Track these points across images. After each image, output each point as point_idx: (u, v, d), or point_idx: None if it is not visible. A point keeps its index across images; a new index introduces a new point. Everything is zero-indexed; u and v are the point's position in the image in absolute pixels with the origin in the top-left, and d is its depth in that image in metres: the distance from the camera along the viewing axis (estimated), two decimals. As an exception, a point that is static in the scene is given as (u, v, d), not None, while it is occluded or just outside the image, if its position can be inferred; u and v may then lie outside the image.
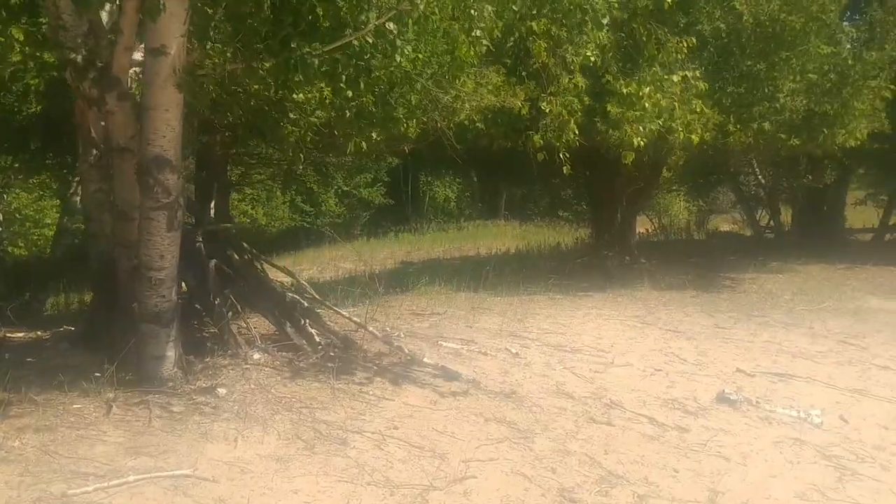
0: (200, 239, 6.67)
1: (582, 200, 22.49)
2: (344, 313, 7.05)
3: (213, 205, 7.80)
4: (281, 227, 28.56)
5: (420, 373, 6.83)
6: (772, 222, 21.04)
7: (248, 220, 26.98)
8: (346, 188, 30.93)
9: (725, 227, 27.62)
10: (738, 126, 11.40)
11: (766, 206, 21.59)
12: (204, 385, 5.94)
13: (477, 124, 10.66)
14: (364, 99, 6.48)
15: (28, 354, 6.79)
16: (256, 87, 6.46)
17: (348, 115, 6.35)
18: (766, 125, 11.56)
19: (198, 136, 8.35)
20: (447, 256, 22.21)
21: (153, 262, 5.60)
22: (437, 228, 29.32)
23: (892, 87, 12.43)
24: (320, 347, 6.83)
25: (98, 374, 5.85)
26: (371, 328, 7.04)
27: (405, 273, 18.02)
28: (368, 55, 6.17)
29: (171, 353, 5.85)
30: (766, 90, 11.47)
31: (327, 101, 6.74)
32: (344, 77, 5.77)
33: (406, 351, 6.89)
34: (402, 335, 8.09)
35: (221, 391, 5.77)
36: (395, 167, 29.04)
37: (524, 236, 25.26)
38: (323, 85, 6.03)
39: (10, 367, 6.19)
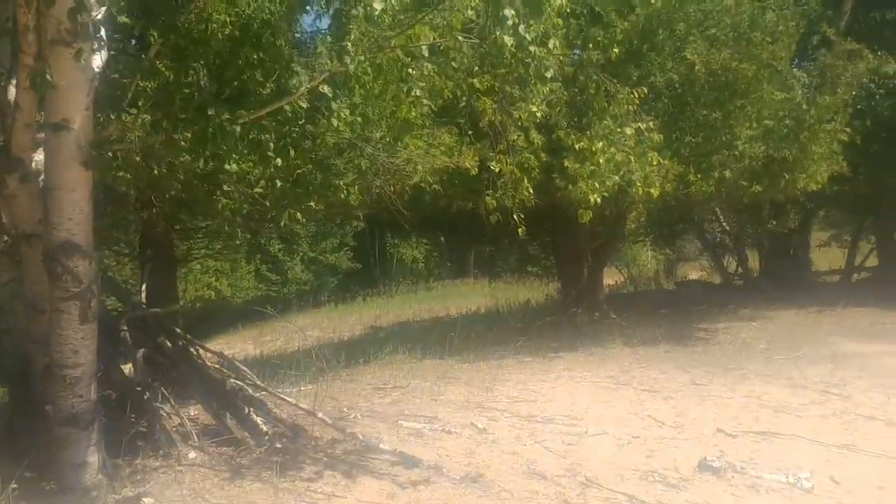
0: (125, 327, 6.00)
1: (549, 255, 22.04)
2: (290, 399, 6.35)
3: (144, 287, 7.14)
4: (247, 297, 27.73)
5: (377, 461, 6.11)
6: (740, 269, 20.67)
7: (213, 293, 26.16)
8: (312, 254, 30.25)
9: (694, 275, 27.27)
10: (699, 175, 11.04)
11: (733, 253, 21.25)
12: (130, 493, 5.21)
13: (433, 186, 10.23)
14: (303, 167, 5.95)
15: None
16: (183, 158, 5.88)
17: (279, 184, 5.79)
18: (727, 173, 11.22)
19: (137, 213, 7.75)
20: (416, 318, 21.63)
21: (66, 358, 4.91)
22: (406, 290, 28.76)
23: (847, 129, 12.20)
24: (266, 438, 6.13)
25: (15, 487, 5.13)
26: (322, 414, 6.32)
27: (372, 339, 17.39)
28: (303, 120, 5.66)
29: (92, 459, 5.11)
30: (724, 138, 11.17)
31: (270, 171, 6.21)
32: (272, 145, 5.22)
33: (361, 437, 6.18)
34: (360, 416, 7.41)
35: (147, 501, 5.05)
36: (361, 231, 28.49)
37: (494, 294, 24.76)
38: (248, 154, 5.48)
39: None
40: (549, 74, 5.22)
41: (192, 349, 6.33)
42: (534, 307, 18.89)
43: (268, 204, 6.14)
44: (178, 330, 6.36)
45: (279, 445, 6.02)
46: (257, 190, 6.67)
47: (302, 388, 8.85)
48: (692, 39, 11.01)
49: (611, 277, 23.23)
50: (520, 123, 6.42)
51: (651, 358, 10.97)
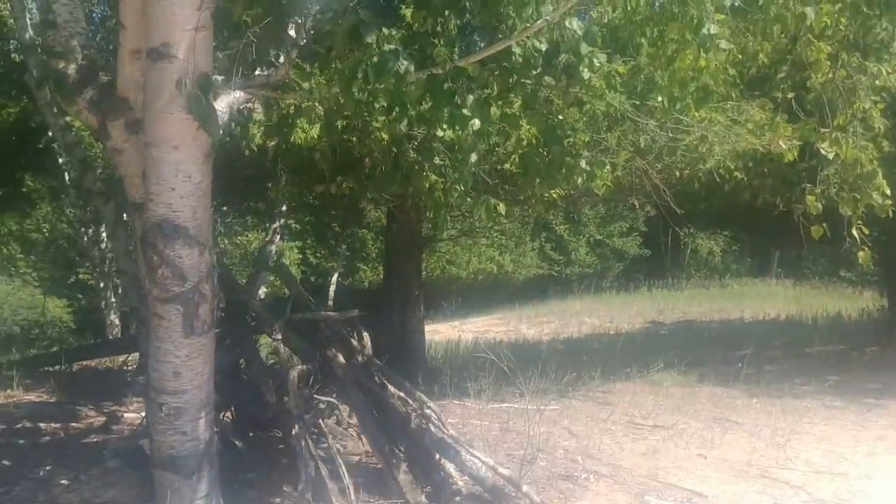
0: (279, 336, 4.45)
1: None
2: (485, 459, 4.41)
3: (335, 279, 5.51)
4: (528, 274, 26.28)
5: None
6: None
7: (495, 267, 25.05)
8: (598, 237, 28.02)
9: None
10: None
11: None
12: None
13: (735, 174, 7.85)
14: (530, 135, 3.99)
15: (74, 468, 4.86)
16: (380, 119, 4.17)
17: (473, 158, 3.85)
18: None
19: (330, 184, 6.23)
20: (703, 318, 18.83)
21: (165, 381, 3.41)
22: (696, 284, 25.73)
23: None
24: (457, 501, 4.31)
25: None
26: (527, 488, 4.32)
27: (651, 338, 15.10)
28: (538, 69, 3.68)
29: (199, 517, 3.61)
30: None
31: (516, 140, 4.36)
32: (471, 97, 3.31)
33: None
34: (596, 478, 5.33)
35: None
36: (653, 217, 25.87)
37: (797, 299, 21.09)
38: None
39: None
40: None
41: (373, 371, 4.62)
42: (846, 324, 15.33)
43: (460, 187, 4.22)
44: (355, 343, 4.70)
45: (467, 519, 4.16)
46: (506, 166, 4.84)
47: (545, 409, 6.83)
48: None
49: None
50: (879, 83, 3.90)
51: None
